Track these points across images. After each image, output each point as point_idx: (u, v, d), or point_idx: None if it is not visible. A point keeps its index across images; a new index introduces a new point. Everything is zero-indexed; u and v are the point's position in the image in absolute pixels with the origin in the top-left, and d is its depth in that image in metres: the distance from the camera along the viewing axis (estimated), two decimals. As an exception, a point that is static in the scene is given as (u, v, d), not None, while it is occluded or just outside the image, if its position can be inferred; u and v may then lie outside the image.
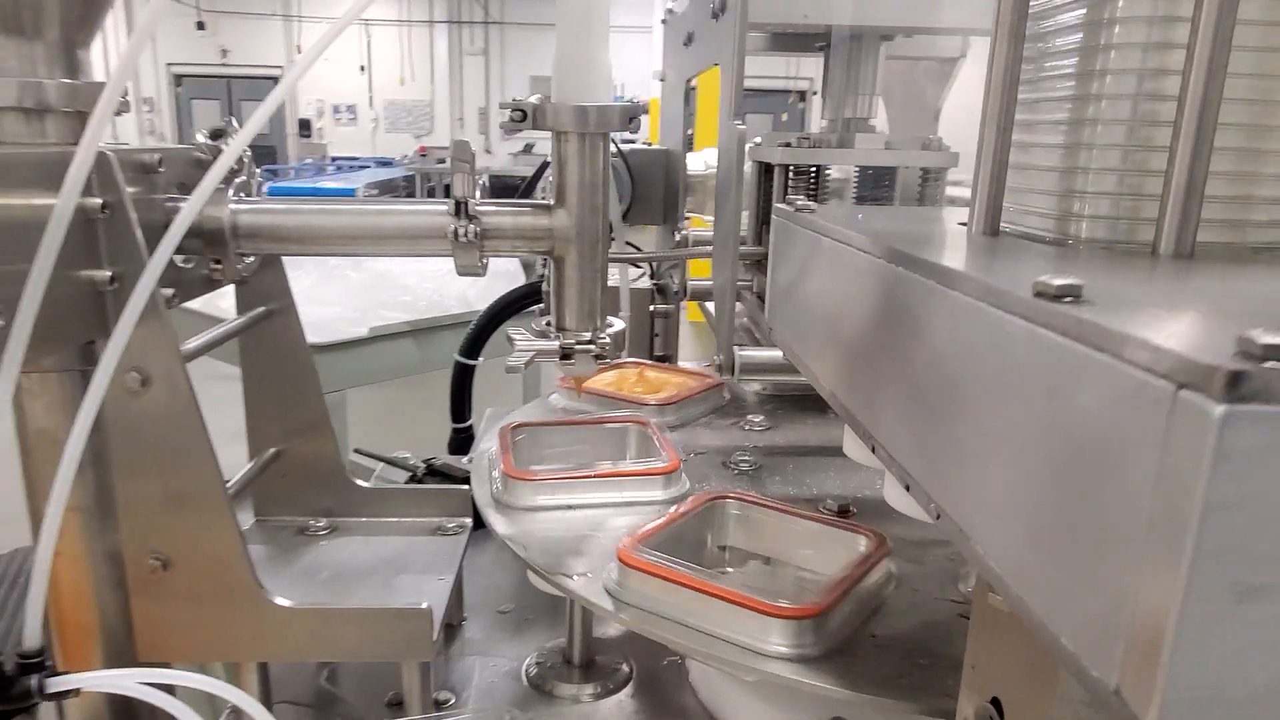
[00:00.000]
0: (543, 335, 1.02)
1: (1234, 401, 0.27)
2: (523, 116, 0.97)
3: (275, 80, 17.75)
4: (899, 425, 0.52)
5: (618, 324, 1.04)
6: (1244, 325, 0.29)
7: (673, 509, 0.93)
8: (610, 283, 1.93)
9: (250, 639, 0.92)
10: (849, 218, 0.75)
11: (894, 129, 1.74)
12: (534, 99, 0.98)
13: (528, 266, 3.20)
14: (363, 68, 17.43)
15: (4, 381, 0.69)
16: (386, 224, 0.99)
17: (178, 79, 17.80)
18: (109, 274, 0.83)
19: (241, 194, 1.00)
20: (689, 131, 1.99)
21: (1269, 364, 0.27)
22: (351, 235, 0.99)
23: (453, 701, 1.08)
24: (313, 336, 2.91)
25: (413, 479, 1.67)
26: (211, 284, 1.01)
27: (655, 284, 1.95)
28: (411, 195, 11.36)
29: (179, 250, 0.97)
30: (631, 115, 0.98)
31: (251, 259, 1.03)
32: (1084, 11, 0.57)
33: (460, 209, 0.94)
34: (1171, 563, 0.28)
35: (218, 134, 1.00)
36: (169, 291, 0.94)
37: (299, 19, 17.42)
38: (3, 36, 0.87)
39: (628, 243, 1.93)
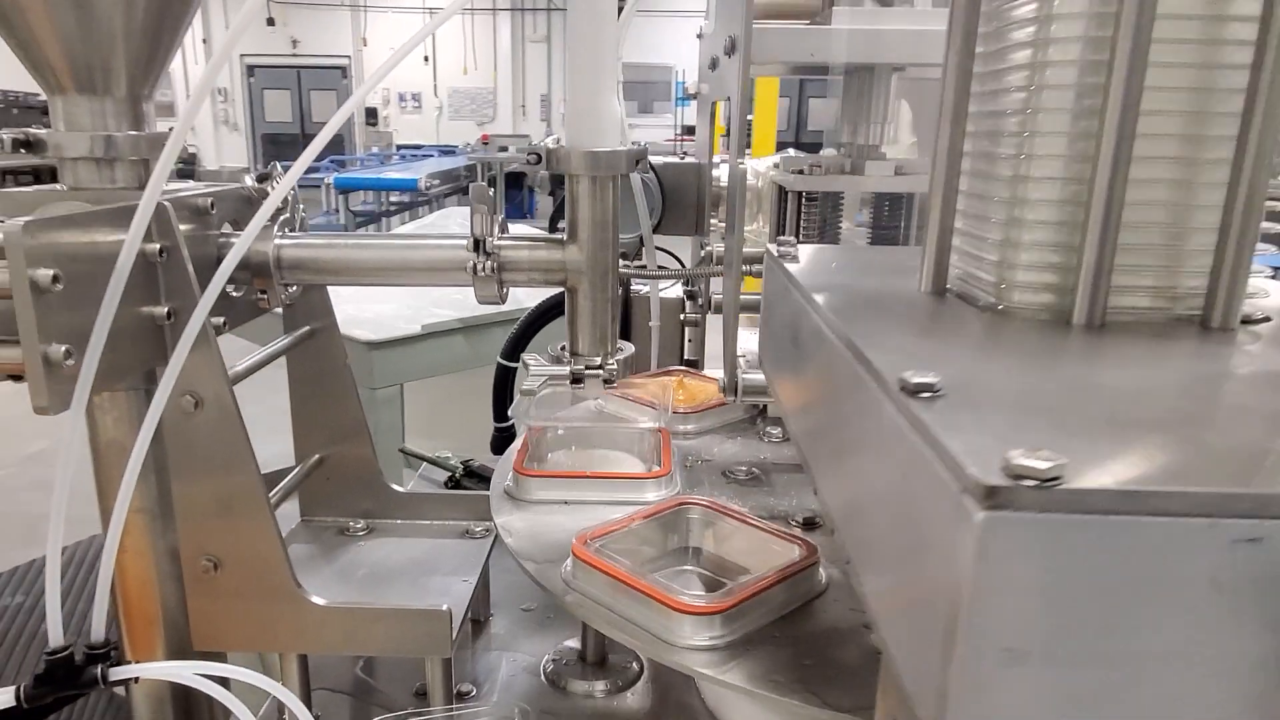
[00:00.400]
0: (557, 360, 1.10)
1: (992, 509, 0.33)
2: (538, 159, 1.06)
3: (343, 70, 18.19)
4: (828, 475, 0.59)
5: (627, 349, 1.12)
6: (1051, 431, 0.36)
7: (640, 510, 1.01)
8: (643, 291, 2.01)
9: (290, 633, 1.03)
10: (820, 266, 0.81)
11: (923, 145, 1.78)
12: (549, 142, 1.06)
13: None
14: (426, 58, 17.72)
15: (75, 412, 0.79)
16: (413, 257, 1.08)
17: (250, 69, 18.32)
18: (166, 309, 0.94)
19: (286, 229, 1.10)
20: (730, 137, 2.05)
21: (1023, 482, 0.33)
22: (382, 268, 1.08)
23: (474, 693, 1.17)
24: (368, 333, 3.07)
25: (451, 479, 1.78)
26: (259, 310, 1.11)
27: (686, 291, 2.02)
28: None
29: (229, 281, 1.08)
30: (638, 159, 1.05)
31: (295, 288, 1.13)
32: (1022, 96, 0.63)
33: (479, 246, 1.03)
34: (952, 629, 0.35)
35: (264, 177, 1.10)
36: (220, 320, 1.05)
37: (364, 9, 17.77)
38: (77, 95, 0.99)
39: (659, 248, 2.01)
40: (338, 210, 9.54)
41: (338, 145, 16.91)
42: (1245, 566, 0.33)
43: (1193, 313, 0.61)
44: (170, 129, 0.94)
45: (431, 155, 13.34)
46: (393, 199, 10.56)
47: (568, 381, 1.07)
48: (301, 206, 1.16)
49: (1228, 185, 0.59)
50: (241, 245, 0.92)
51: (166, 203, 0.94)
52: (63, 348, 0.78)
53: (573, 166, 1.03)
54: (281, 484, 1.23)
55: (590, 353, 1.09)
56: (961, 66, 0.66)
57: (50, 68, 0.97)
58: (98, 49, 0.97)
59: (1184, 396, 0.47)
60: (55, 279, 0.77)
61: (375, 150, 15.17)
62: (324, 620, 1.02)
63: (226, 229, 1.10)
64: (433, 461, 1.82)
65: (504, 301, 1.09)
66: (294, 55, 18.25)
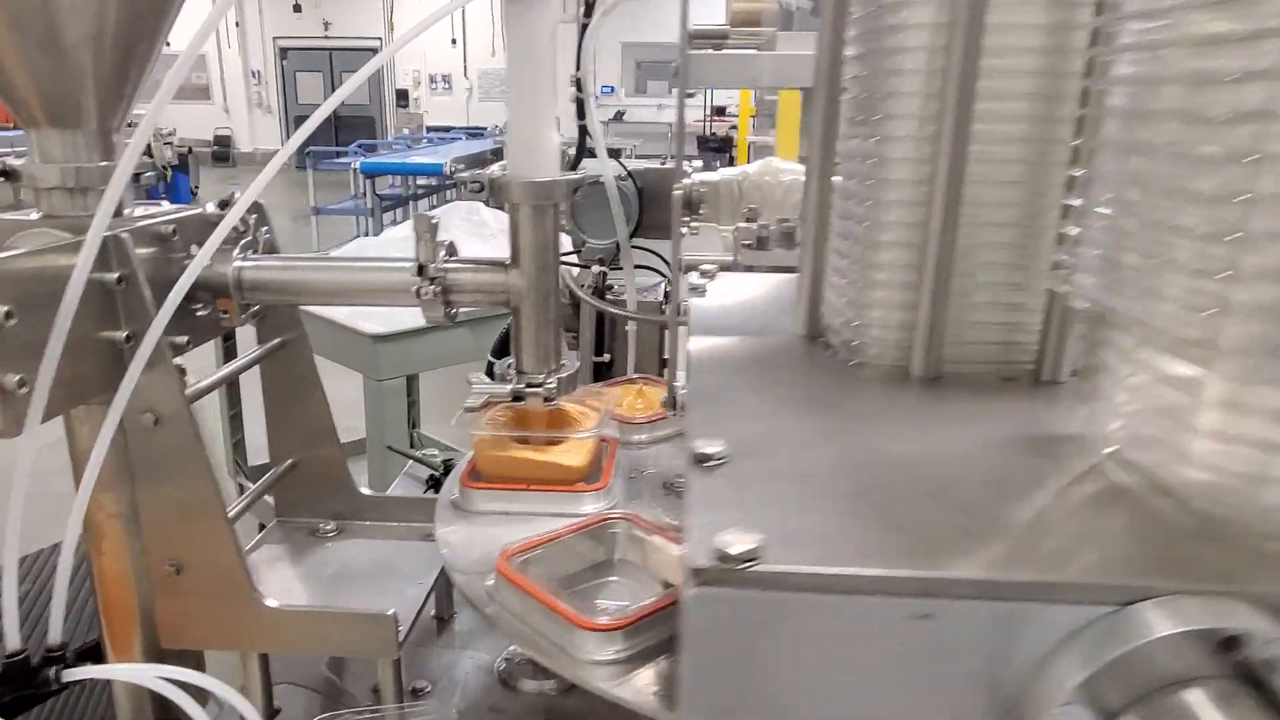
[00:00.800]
0: (504, 378, 1.16)
1: (700, 585, 0.38)
2: (480, 188, 1.11)
3: (374, 52, 18.31)
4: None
5: (569, 368, 1.17)
6: (792, 506, 0.41)
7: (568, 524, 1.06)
8: (621, 294, 2.06)
9: (247, 633, 1.10)
10: (725, 300, 0.86)
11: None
12: (494, 170, 1.11)
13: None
14: (454, 40, 17.78)
15: (27, 435, 0.86)
16: (365, 280, 1.14)
17: (283, 52, 18.50)
18: (125, 334, 1.01)
19: (248, 251, 1.17)
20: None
21: (726, 564, 0.38)
22: (336, 290, 1.15)
23: (429, 689, 1.24)
24: (374, 326, 3.13)
25: (431, 478, 1.85)
26: (222, 327, 1.18)
27: (667, 293, 2.07)
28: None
29: (194, 300, 1.15)
30: (576, 187, 1.10)
31: (257, 306, 1.20)
32: (872, 163, 0.67)
33: (422, 271, 1.09)
34: (679, 684, 0.40)
35: (224, 204, 1.16)
36: (183, 339, 1.11)
37: (396, -9, 17.85)
38: (50, 129, 1.05)
39: (641, 247, 2.06)
40: (364, 195, 9.64)
41: (369, 128, 17.08)
42: (921, 638, 0.38)
43: (1029, 365, 0.65)
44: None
45: (459, 138, 13.41)
46: (420, 183, 10.65)
47: (509, 399, 1.13)
48: (266, 229, 1.22)
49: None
50: (191, 272, 0.99)
51: (125, 234, 1.00)
52: (16, 377, 0.85)
53: (513, 196, 1.08)
54: (252, 489, 1.31)
55: (534, 370, 1.15)
56: (826, 125, 0.70)
57: (25, 104, 1.04)
58: (68, 87, 1.04)
59: (951, 463, 0.51)
60: (8, 315, 0.84)
61: (406, 132, 15.28)
62: (278, 622, 1.09)
63: (195, 250, 1.16)
64: (416, 459, 1.89)
65: (453, 321, 1.15)
66: (326, 38, 18.40)
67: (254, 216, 1.19)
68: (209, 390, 1.15)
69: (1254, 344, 0.40)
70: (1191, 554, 0.41)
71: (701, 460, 0.48)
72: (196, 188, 13.35)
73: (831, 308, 0.73)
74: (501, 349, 2.27)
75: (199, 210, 1.16)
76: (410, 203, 10.55)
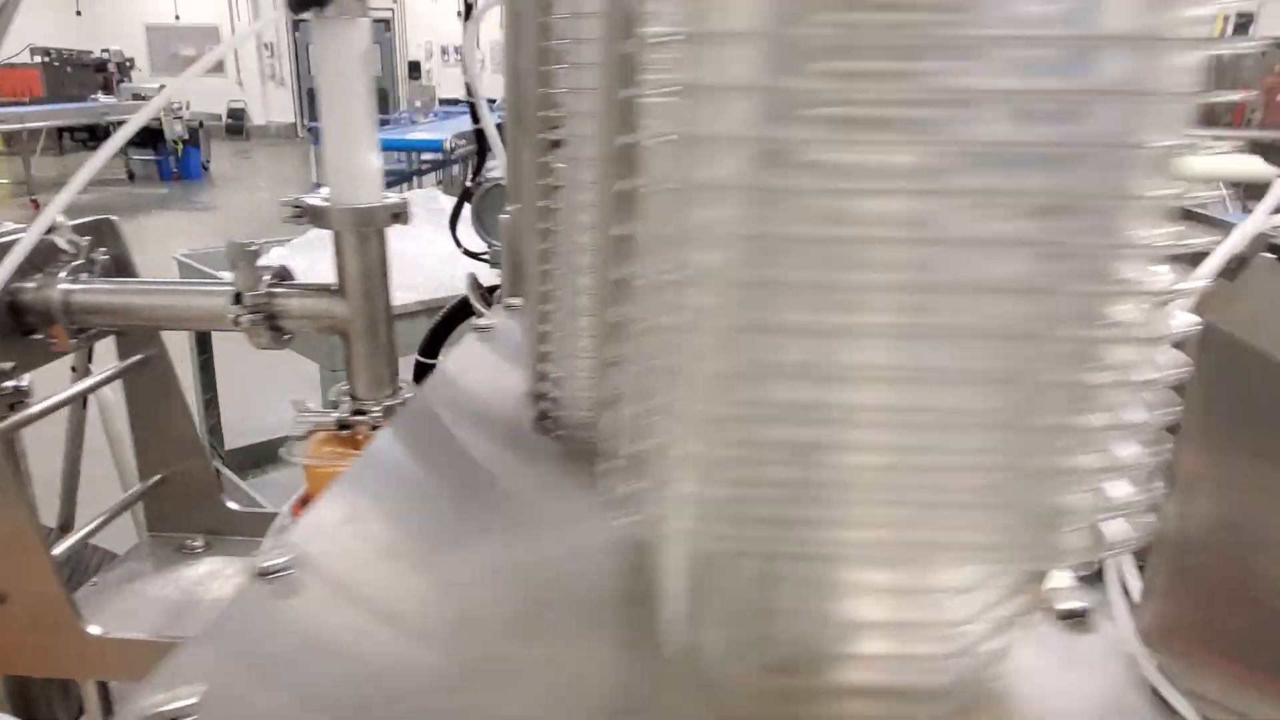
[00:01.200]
0: (335, 404, 1.14)
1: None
2: (300, 213, 1.09)
3: (386, 23, 18.23)
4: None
5: (406, 393, 1.15)
6: (303, 642, 0.39)
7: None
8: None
9: (73, 661, 1.10)
10: (505, 346, 0.84)
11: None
12: (314, 198, 1.09)
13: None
14: (459, 13, 17.65)
15: None
16: (190, 304, 1.13)
17: (295, 23, 18.43)
18: (-74, 366, 1.00)
19: (83, 275, 1.15)
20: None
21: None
22: (160, 315, 1.13)
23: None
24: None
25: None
26: (52, 354, 1.17)
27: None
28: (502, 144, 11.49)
29: (25, 324, 1.14)
30: (396, 213, 1.07)
31: (93, 330, 1.19)
32: (563, 232, 0.64)
33: (239, 299, 1.07)
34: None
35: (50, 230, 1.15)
36: (9, 364, 1.10)
37: (408, -39, 17.72)
38: None
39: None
40: (366, 171, 9.60)
41: (382, 101, 17.03)
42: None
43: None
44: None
45: (465, 114, 13.28)
46: (425, 158, 10.58)
47: (335, 428, 1.11)
48: (104, 249, 1.20)
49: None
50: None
51: (-77, 266, 0.99)
52: None
53: (333, 223, 1.06)
54: (112, 506, 1.31)
55: (367, 396, 1.13)
56: (513, 152, 0.67)
57: None
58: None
59: (531, 575, 0.48)
60: None
61: (418, 104, 15.19)
62: (103, 650, 1.09)
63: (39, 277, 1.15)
64: (327, 463, 1.89)
65: (284, 347, 1.13)
66: (338, 9, 18.30)
67: (88, 238, 1.17)
68: (40, 416, 1.14)
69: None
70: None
71: (265, 573, 0.46)
72: (208, 161, 13.40)
73: (547, 370, 0.70)
74: (430, 348, 2.25)
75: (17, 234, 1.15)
76: (415, 178, 10.48)
